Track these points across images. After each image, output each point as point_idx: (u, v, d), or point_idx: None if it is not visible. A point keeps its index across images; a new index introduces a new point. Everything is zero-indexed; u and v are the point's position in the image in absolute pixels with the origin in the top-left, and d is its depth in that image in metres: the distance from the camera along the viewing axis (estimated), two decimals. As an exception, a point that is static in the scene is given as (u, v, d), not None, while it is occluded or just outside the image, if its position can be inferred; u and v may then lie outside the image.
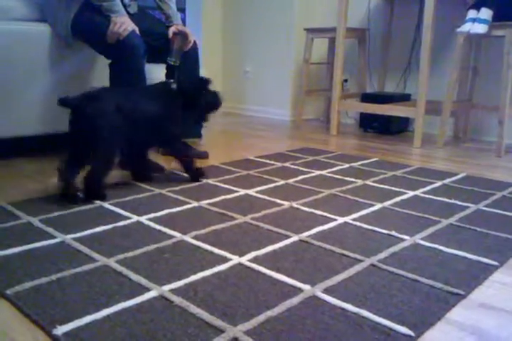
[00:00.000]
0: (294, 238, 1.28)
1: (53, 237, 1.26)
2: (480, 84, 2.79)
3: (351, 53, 3.26)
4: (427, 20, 2.46)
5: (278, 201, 1.60)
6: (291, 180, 1.85)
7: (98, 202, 1.54)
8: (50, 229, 1.31)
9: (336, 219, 1.43)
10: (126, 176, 1.88)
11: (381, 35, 3.15)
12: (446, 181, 1.88)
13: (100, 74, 2.23)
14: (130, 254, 1.16)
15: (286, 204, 1.57)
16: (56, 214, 1.43)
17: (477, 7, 2.36)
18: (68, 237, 1.26)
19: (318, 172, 1.98)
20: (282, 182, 1.83)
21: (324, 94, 3.36)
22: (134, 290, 0.99)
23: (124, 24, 1.83)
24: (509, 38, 2.29)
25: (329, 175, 1.95)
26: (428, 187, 1.78)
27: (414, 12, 2.97)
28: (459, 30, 2.37)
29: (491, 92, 2.73)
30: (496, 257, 1.18)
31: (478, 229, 1.37)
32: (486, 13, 2.31)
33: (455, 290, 1.01)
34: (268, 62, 3.61)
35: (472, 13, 2.36)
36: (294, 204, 1.56)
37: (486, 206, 1.58)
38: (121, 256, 1.14)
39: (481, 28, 2.30)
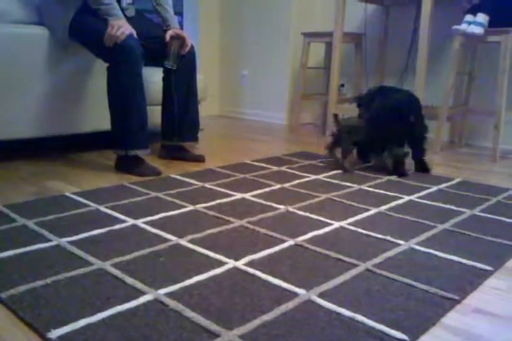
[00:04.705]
0: (290, 242, 1.28)
1: (48, 240, 1.25)
2: (476, 89, 2.81)
3: (348, 58, 3.28)
4: (424, 26, 2.48)
5: (274, 205, 1.60)
6: (287, 184, 1.86)
7: (94, 205, 1.54)
8: (45, 232, 1.30)
9: (331, 224, 1.43)
10: (125, 179, 1.88)
11: (378, 40, 3.17)
12: (442, 186, 1.88)
13: (98, 77, 2.23)
14: (125, 258, 1.16)
15: (282, 208, 1.57)
16: (51, 217, 1.43)
17: (474, 12, 2.38)
18: (63, 240, 1.25)
19: (314, 177, 1.99)
20: (278, 186, 1.84)
21: (321, 98, 3.37)
22: (129, 293, 0.99)
23: (121, 27, 1.83)
24: (505, 43, 2.31)
25: (325, 179, 1.96)
26: (423, 192, 1.79)
27: (410, 17, 2.99)
28: (454, 27, 2.38)
29: (486, 97, 2.75)
30: (491, 262, 1.19)
31: (473, 234, 1.37)
32: (482, 17, 2.33)
33: (450, 295, 1.01)
34: (265, 66, 3.62)
35: (469, 17, 2.38)
36: (290, 209, 1.56)
37: (481, 211, 1.59)
38: (116, 260, 1.14)
39: (477, 29, 2.32)
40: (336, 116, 2.23)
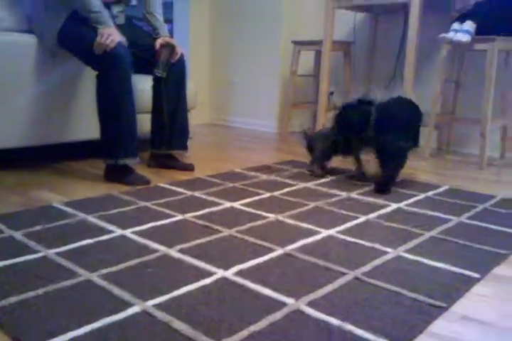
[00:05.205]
0: (279, 251, 1.28)
1: (36, 252, 1.24)
2: (462, 97, 2.84)
3: (337, 66, 3.30)
4: (412, 34, 2.51)
5: (263, 214, 1.60)
6: (276, 193, 1.86)
7: (81, 215, 1.53)
8: (32, 244, 1.29)
9: (320, 232, 1.44)
10: (113, 188, 1.87)
11: (366, 48, 3.20)
12: (429, 194, 1.90)
13: (86, 85, 2.23)
14: (113, 269, 1.15)
15: (271, 216, 1.57)
16: (38, 227, 1.42)
17: (461, 20, 2.41)
18: (51, 252, 1.24)
19: (303, 185, 1.99)
20: (268, 194, 1.84)
21: (311, 106, 3.39)
22: (117, 305, 0.98)
23: (111, 35, 1.83)
24: (491, 52, 2.34)
25: (315, 187, 1.96)
26: (411, 200, 1.80)
27: (399, 25, 3.02)
28: (441, 35, 2.41)
29: (473, 105, 2.78)
30: (478, 269, 1.20)
31: (461, 242, 1.38)
32: (469, 25, 2.36)
33: (437, 303, 1.02)
34: (255, 74, 3.63)
35: (456, 25, 2.41)
36: (280, 217, 1.57)
37: (468, 218, 1.60)
38: (104, 271, 1.13)
39: (463, 37, 2.34)
40: (304, 132, 2.33)
